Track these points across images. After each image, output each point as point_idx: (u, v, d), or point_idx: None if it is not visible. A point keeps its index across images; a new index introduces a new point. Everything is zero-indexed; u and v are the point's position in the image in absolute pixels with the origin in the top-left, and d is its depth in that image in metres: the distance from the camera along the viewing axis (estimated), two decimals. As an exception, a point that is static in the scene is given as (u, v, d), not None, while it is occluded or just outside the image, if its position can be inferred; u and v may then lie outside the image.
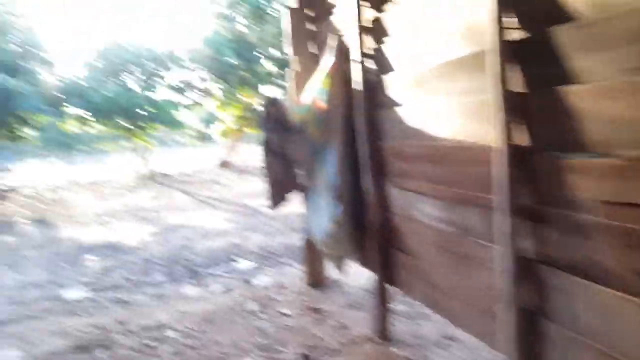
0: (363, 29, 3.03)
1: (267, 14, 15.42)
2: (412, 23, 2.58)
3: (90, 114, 15.34)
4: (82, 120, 15.77)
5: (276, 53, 16.01)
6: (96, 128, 17.40)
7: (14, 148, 22.16)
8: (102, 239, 8.07)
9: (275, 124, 3.71)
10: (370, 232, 3.23)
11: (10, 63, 12.03)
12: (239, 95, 16.72)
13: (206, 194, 13.23)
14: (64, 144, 43.47)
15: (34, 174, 24.00)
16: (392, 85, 2.88)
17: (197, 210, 10.71)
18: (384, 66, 2.91)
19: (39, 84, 11.55)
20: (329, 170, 3.38)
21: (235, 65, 15.59)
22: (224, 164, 20.53)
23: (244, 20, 15.70)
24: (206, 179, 16.60)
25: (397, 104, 2.83)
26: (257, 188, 14.01)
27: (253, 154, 23.71)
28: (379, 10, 2.91)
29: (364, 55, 3.04)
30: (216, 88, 17.15)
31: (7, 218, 10.51)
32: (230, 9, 15.60)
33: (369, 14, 3.02)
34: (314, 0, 4.12)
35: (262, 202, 11.21)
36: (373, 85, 3.06)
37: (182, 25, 34.02)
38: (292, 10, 4.25)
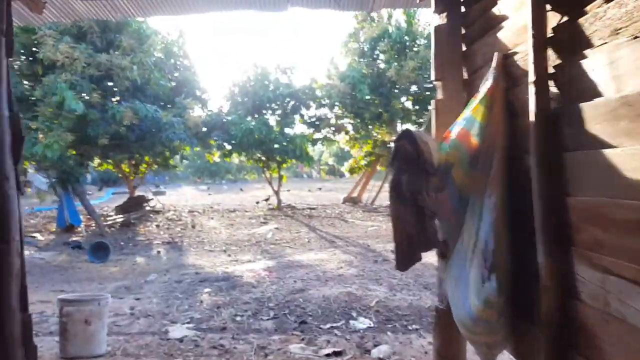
0: (546, 41, 2.15)
1: (409, 49, 14.98)
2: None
3: (231, 146, 16.30)
4: (225, 151, 16.84)
5: (415, 89, 15.42)
6: (238, 159, 18.59)
7: (170, 174, 24.81)
8: (222, 269, 8.03)
9: (408, 163, 2.93)
10: (539, 323, 2.23)
11: (165, 97, 13.36)
12: (371, 132, 16.40)
13: (329, 230, 12.87)
14: (210, 172, 47.64)
15: (181, 198, 26.74)
16: (594, 116, 1.93)
17: (318, 247, 10.31)
18: (581, 91, 1.99)
19: (189, 117, 12.55)
20: (481, 228, 2.49)
21: (370, 101, 15.36)
22: (351, 200, 20.22)
23: (383, 55, 15.48)
24: (331, 215, 16.38)
25: (601, 143, 1.88)
26: (383, 229, 13.31)
27: (382, 193, 23.31)
28: (575, 15, 2.02)
29: (544, 76, 2.15)
30: (349, 124, 17.10)
31: (148, 239, 11.35)
32: (370, 44, 15.52)
33: (555, 20, 2.14)
34: (467, 14, 3.35)
35: (387, 246, 10.43)
36: (557, 117, 2.14)
37: (320, 60, 35.56)
38: (438, 27, 3.53)
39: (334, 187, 39.06)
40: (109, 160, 13.87)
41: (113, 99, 11.65)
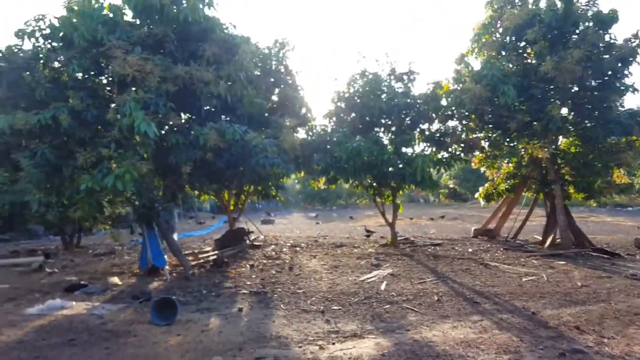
0: None
1: (569, 35, 11.19)
2: None
3: (334, 171, 13.77)
4: (330, 177, 14.42)
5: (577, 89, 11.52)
6: (346, 184, 16.11)
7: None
8: (313, 351, 5.39)
9: None
10: None
11: (262, 118, 11.46)
12: (516, 147, 12.74)
13: (466, 280, 9.50)
14: (320, 198, 45.99)
15: (288, 227, 25.04)
16: None
17: (456, 312, 7.12)
18: None
19: (284, 139, 10.37)
20: None
21: (517, 107, 11.80)
22: (485, 234, 16.37)
23: (532, 47, 11.87)
24: (464, 254, 12.87)
25: None
26: (544, 282, 9.54)
27: (529, 225, 18.60)
28: None
29: None
30: (486, 138, 13.62)
31: (235, 286, 9.20)
32: (513, 34, 12.03)
33: None
34: None
35: (564, 316, 6.89)
36: None
37: (443, 62, 31.87)
38: None
39: (458, 214, 34.52)
40: (195, 192, 12.29)
41: (194, 120, 9.99)
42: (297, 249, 14.73)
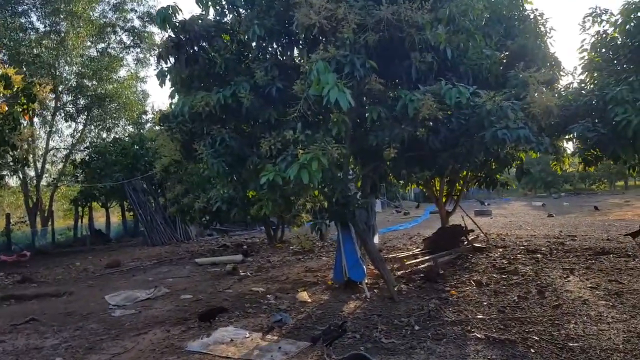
0: None
1: None
2: None
3: (599, 147, 9.37)
4: (587, 155, 10.00)
5: None
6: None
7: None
8: None
9: None
10: None
11: (492, 78, 8.11)
12: None
13: None
14: (545, 183, 38.43)
15: (511, 220, 20.47)
16: None
17: None
18: None
19: (533, 100, 6.84)
20: None
21: None
22: None
23: None
24: None
25: None
26: None
27: None
28: None
29: None
30: None
31: (461, 322, 6.19)
32: None
33: None
34: None
35: None
36: None
37: None
38: None
39: None
40: (400, 181, 9.59)
41: (401, 84, 7.27)
42: (538, 255, 10.84)
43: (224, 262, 12.39)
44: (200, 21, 7.43)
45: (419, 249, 11.42)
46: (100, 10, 25.18)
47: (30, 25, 22.36)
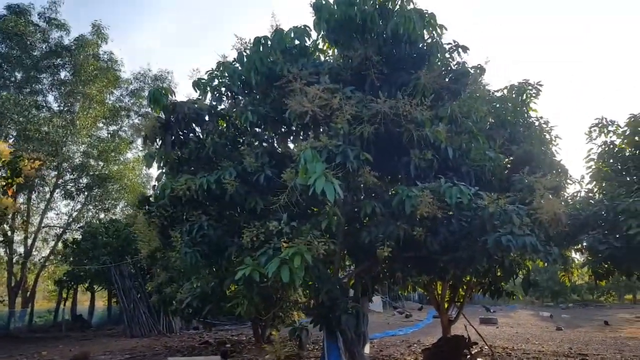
0: None
1: None
2: None
3: (610, 261, 8.66)
4: (598, 268, 9.25)
5: None
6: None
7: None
8: None
9: None
10: None
11: (496, 181, 7.71)
12: None
13: None
14: (552, 292, 36.58)
15: (517, 331, 18.93)
16: None
17: None
18: None
19: (540, 206, 6.32)
20: None
21: None
22: None
23: None
24: None
25: None
26: None
27: None
28: None
29: None
30: None
31: None
32: None
33: None
34: None
35: None
36: None
37: None
38: None
39: None
40: (395, 285, 8.76)
41: (398, 180, 6.84)
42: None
43: (199, 364, 11.16)
44: (194, 105, 7.27)
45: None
46: (117, 95, 26.21)
47: (44, 104, 23.12)
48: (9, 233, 21.39)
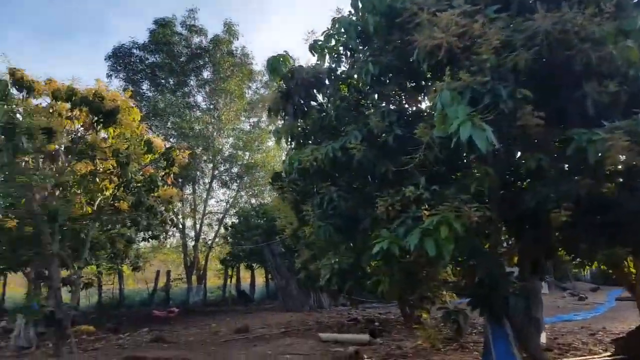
0: None
1: None
2: None
3: None
4: None
5: None
6: None
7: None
8: None
9: None
10: None
11: None
12: None
13: None
14: None
15: None
16: None
17: None
18: None
19: None
20: None
21: None
22: None
23: None
24: None
25: None
26: None
27: None
28: None
29: None
30: None
31: None
32: None
33: None
34: None
35: None
36: None
37: None
38: None
39: None
40: (577, 260, 6.89)
41: (568, 121, 5.18)
42: None
43: (348, 341, 10.83)
44: (313, 69, 6.62)
45: (608, 354, 8.25)
46: (253, 88, 27.58)
47: (194, 104, 25.38)
48: (181, 220, 24.21)
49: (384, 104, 6.25)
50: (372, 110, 6.15)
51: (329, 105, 6.54)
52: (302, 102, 6.59)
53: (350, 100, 6.67)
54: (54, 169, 10.39)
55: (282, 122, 7.04)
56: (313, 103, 6.70)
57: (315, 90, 6.63)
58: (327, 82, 6.57)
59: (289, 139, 6.94)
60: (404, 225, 4.86)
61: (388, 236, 4.87)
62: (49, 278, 10.28)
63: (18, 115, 9.32)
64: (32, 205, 9.73)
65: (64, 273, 11.54)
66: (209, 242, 27.97)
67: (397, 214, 5.13)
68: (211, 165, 26.22)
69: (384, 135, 5.58)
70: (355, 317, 15.47)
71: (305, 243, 15.09)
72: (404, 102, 6.53)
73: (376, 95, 6.64)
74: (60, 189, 10.47)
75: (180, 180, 23.21)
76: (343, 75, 6.79)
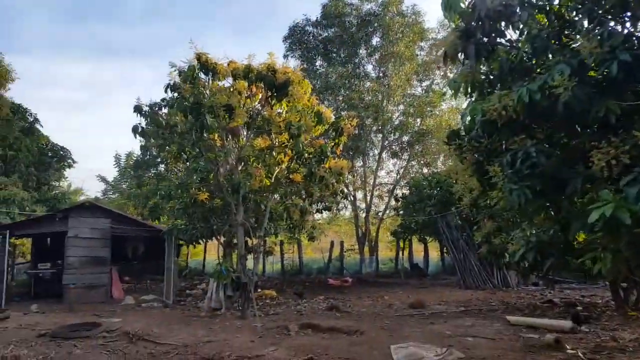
0: None
1: None
2: None
3: None
4: None
5: None
6: None
7: None
8: None
9: None
10: None
11: None
12: None
13: None
14: None
15: None
16: None
17: None
18: None
19: None
20: None
21: None
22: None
23: None
24: None
25: None
26: None
27: None
28: None
29: None
30: None
31: None
32: None
33: None
34: None
35: None
36: None
37: None
38: None
39: None
40: None
41: None
42: None
43: (544, 326, 9.29)
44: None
45: None
46: (426, 48, 26.11)
47: (363, 73, 25.21)
48: (352, 192, 24.75)
49: (598, 26, 4.77)
50: (581, 39, 4.74)
51: (522, 39, 5.29)
52: (485, 40, 5.48)
53: (550, 33, 5.30)
54: (236, 145, 11.26)
55: (461, 68, 6.03)
56: (500, 40, 5.53)
57: (503, 24, 5.44)
58: (518, 11, 5.32)
59: (469, 89, 5.91)
60: (635, 184, 3.57)
61: (612, 199, 3.64)
62: (237, 246, 11.30)
63: (204, 97, 10.23)
64: (218, 179, 10.72)
65: (251, 242, 12.61)
66: (380, 214, 28.04)
67: (625, 169, 3.82)
68: (380, 135, 25.98)
69: (602, 65, 4.20)
70: (551, 299, 13.46)
71: (489, 213, 13.67)
72: (628, 25, 4.90)
73: (585, 22, 5.14)
74: (242, 163, 11.32)
75: (350, 152, 23.60)
76: (540, 2, 5.42)
